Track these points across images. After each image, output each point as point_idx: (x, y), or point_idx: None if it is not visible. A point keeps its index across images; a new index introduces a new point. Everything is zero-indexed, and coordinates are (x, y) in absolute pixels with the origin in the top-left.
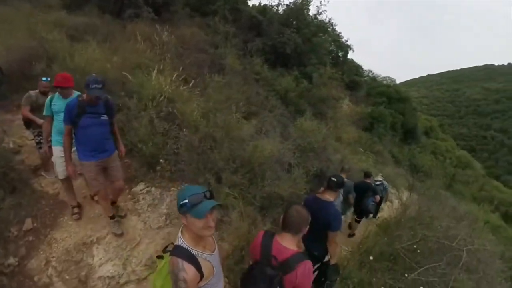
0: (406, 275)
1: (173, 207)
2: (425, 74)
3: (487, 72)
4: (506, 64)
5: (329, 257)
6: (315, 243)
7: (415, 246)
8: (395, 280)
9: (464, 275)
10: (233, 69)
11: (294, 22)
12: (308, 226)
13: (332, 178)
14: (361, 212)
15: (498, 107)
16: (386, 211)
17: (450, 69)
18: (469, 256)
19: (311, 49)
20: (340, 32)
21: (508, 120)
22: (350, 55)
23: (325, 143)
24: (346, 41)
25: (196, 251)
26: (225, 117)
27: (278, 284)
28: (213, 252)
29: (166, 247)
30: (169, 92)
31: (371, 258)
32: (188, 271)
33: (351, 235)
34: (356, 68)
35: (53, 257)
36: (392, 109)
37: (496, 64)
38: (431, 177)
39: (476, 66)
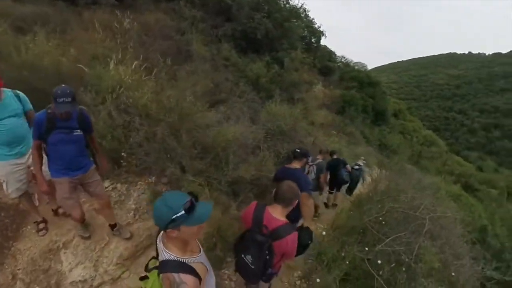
0: (374, 245)
1: (140, 201)
2: (394, 61)
3: (450, 59)
4: (467, 52)
5: (302, 221)
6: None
7: (381, 219)
8: (364, 252)
9: (428, 242)
10: (200, 56)
11: (266, 7)
12: (297, 199)
13: (297, 149)
14: (338, 183)
15: (459, 91)
16: (360, 188)
17: (417, 56)
18: (433, 223)
19: (282, 34)
20: (313, 18)
21: (467, 103)
22: (323, 41)
23: (295, 126)
24: (319, 27)
25: (186, 259)
26: (187, 104)
27: (267, 250)
28: (200, 252)
29: (147, 265)
30: (129, 83)
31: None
32: (188, 281)
33: (328, 206)
34: (329, 54)
35: (19, 269)
36: (363, 93)
37: (458, 52)
38: (398, 154)
39: (440, 54)
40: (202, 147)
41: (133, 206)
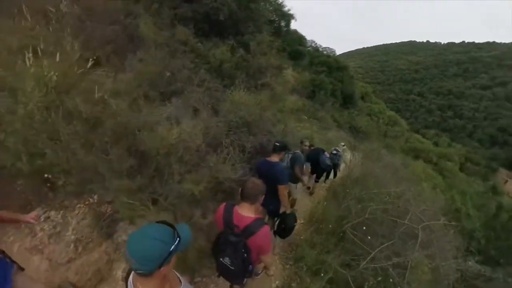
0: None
1: (82, 229)
2: (360, 47)
3: (411, 46)
4: (425, 41)
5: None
6: (270, 199)
7: (364, 228)
8: (346, 265)
9: (419, 253)
10: (154, 42)
11: None
12: (264, 195)
13: (276, 143)
14: (322, 170)
15: (418, 76)
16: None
17: (381, 43)
18: (424, 231)
19: (248, 16)
20: (282, 1)
21: (425, 86)
22: (293, 26)
23: (262, 115)
24: (289, 10)
25: None
26: (127, 103)
27: (243, 248)
28: (181, 283)
29: None
30: (58, 81)
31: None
32: None
33: (312, 194)
34: (299, 39)
35: None
36: (332, 77)
37: (417, 40)
38: (368, 136)
39: (402, 42)
40: (142, 156)
41: (73, 237)
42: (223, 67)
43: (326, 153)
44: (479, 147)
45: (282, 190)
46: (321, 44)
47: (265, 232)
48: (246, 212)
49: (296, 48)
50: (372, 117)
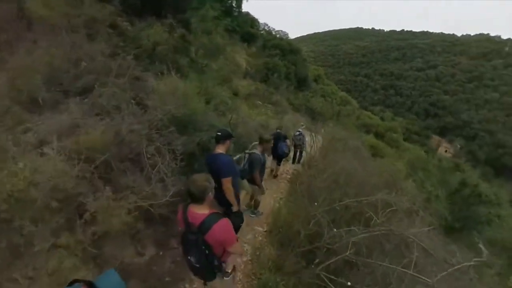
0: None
1: None
2: (311, 32)
3: (358, 33)
4: (370, 28)
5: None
6: (220, 193)
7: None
8: None
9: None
10: (67, 24)
11: None
12: (210, 192)
13: (218, 133)
14: (279, 156)
15: (364, 59)
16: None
17: (331, 29)
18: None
19: None
20: None
21: (371, 69)
22: (245, 8)
23: (199, 108)
24: None
25: None
26: None
27: (202, 245)
28: None
29: None
30: None
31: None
32: None
33: (275, 176)
34: (251, 21)
35: None
36: (286, 60)
37: (364, 27)
38: (324, 117)
39: (350, 28)
40: None
41: None
42: (156, 51)
43: (287, 140)
44: (416, 119)
45: (225, 183)
46: (274, 27)
47: (222, 225)
48: (198, 210)
49: (248, 30)
50: (326, 98)
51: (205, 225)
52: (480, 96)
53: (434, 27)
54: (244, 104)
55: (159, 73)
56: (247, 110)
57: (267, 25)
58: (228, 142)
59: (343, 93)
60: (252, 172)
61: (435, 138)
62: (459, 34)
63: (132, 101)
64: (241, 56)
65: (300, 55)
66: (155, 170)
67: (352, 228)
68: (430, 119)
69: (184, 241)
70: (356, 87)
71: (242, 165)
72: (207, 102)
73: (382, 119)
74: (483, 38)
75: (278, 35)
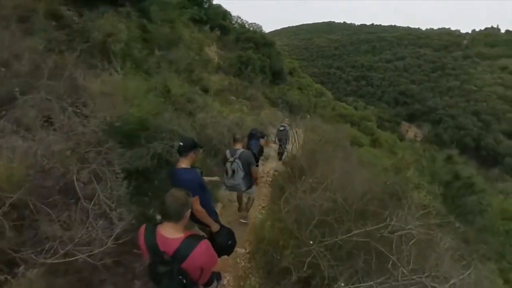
0: None
1: None
2: (285, 26)
3: (330, 26)
4: (342, 22)
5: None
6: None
7: None
8: None
9: None
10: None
11: None
12: (189, 209)
13: (180, 144)
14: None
15: (336, 52)
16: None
17: (304, 23)
18: None
19: None
20: None
21: (343, 61)
22: (217, 1)
23: (157, 109)
24: None
25: None
26: None
27: (179, 275)
28: None
29: None
30: None
31: None
32: None
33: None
34: (223, 14)
35: None
36: (260, 53)
37: (336, 21)
38: (302, 109)
39: (323, 22)
40: None
41: None
42: (109, 44)
43: (261, 139)
44: (387, 108)
45: (194, 204)
46: (247, 20)
47: (202, 249)
48: (172, 233)
49: (220, 23)
50: (302, 91)
51: (181, 253)
52: (443, 84)
53: (401, 22)
54: (216, 101)
55: (103, 70)
56: (219, 107)
57: (240, 18)
58: (192, 154)
59: (318, 85)
60: (249, 170)
61: (405, 124)
62: (423, 28)
63: (69, 108)
64: (212, 50)
65: (274, 48)
66: (92, 202)
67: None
68: (399, 107)
69: (152, 274)
70: (329, 79)
71: (230, 173)
72: (166, 101)
73: (355, 108)
74: (444, 32)
75: (251, 28)
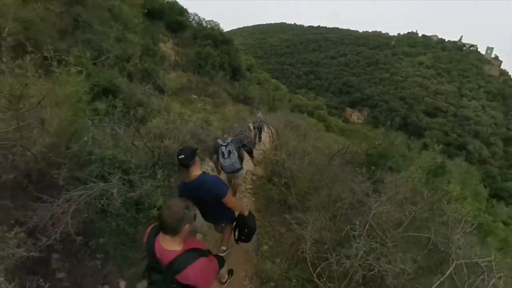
0: None
1: None
2: (241, 26)
3: (282, 27)
4: (293, 23)
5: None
6: (220, 216)
7: None
8: None
9: None
10: None
11: None
12: (187, 223)
13: (182, 157)
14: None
15: (288, 50)
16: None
17: (259, 23)
18: None
19: None
20: None
21: (294, 58)
22: None
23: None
24: None
25: None
26: None
27: (172, 283)
28: None
29: None
30: None
31: None
32: None
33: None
34: (179, 10)
35: None
36: (218, 50)
37: (287, 22)
38: (263, 103)
39: (275, 23)
40: None
41: None
42: (31, 35)
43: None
44: (333, 97)
45: (228, 202)
46: (205, 18)
47: (198, 269)
48: (169, 245)
49: (176, 19)
50: (261, 85)
51: (175, 266)
52: (377, 76)
53: (343, 25)
54: (175, 101)
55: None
56: (179, 109)
57: (197, 15)
58: (197, 158)
59: (274, 80)
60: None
61: (348, 110)
62: (360, 31)
63: None
64: (168, 47)
65: (233, 45)
66: None
67: None
68: (343, 95)
69: (148, 278)
70: (283, 75)
71: (226, 154)
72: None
73: (307, 99)
74: (377, 34)
75: (209, 26)
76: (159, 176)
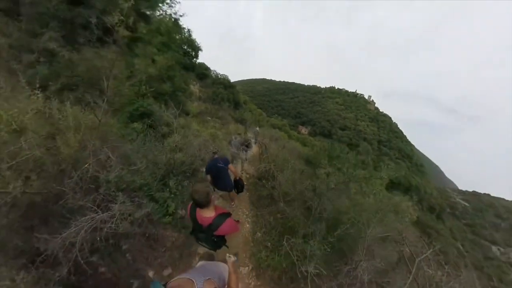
0: None
1: None
2: (243, 79)
3: (264, 81)
4: (270, 79)
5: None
6: (229, 184)
7: None
8: None
9: None
10: None
11: None
12: (211, 196)
13: (214, 151)
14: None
15: (267, 93)
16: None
17: (251, 78)
18: None
19: None
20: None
21: (271, 98)
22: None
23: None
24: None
25: None
26: None
27: (212, 237)
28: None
29: None
30: None
31: None
32: None
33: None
34: (205, 67)
35: None
36: (226, 91)
37: (267, 78)
38: (253, 123)
39: (261, 78)
40: None
41: None
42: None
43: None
44: (291, 119)
45: (231, 168)
46: (219, 72)
47: (228, 224)
48: (206, 213)
49: (203, 72)
50: (251, 112)
51: (213, 226)
52: (315, 108)
53: (296, 78)
54: (195, 121)
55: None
56: (196, 126)
57: (215, 70)
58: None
59: (259, 110)
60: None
61: (300, 126)
62: (305, 84)
63: None
64: (195, 87)
65: (235, 88)
66: None
67: None
68: (297, 118)
69: (195, 236)
70: (264, 107)
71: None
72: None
73: (278, 121)
74: (314, 86)
75: (221, 76)
76: (171, 184)
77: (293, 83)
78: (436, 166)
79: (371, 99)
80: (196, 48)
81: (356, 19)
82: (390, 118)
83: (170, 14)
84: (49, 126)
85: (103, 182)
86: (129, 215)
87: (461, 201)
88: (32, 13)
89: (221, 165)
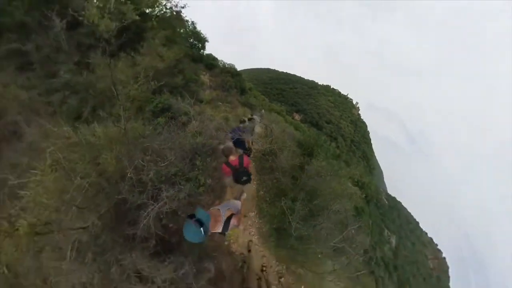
0: None
1: None
2: (244, 68)
3: (268, 71)
4: (274, 69)
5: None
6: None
7: None
8: None
9: None
10: None
11: None
12: (233, 148)
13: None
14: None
15: (270, 82)
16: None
17: (256, 67)
18: None
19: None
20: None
21: (273, 86)
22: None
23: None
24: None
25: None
26: None
27: (245, 170)
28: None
29: None
30: None
31: None
32: None
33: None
34: (213, 58)
35: None
36: (234, 79)
37: (271, 67)
38: (257, 107)
39: (266, 68)
40: None
41: None
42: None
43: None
44: (288, 107)
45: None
46: (226, 62)
47: (246, 159)
48: (233, 158)
49: (211, 62)
50: (256, 98)
51: (240, 161)
52: (308, 101)
53: (296, 70)
54: (208, 107)
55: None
56: (210, 112)
57: (223, 60)
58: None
59: (262, 96)
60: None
61: (294, 113)
62: (306, 77)
63: None
64: (205, 77)
65: (241, 76)
66: None
67: None
68: (293, 106)
69: (235, 177)
70: (267, 94)
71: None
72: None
73: (277, 107)
74: (311, 81)
75: (228, 65)
76: (198, 163)
77: (295, 75)
78: (382, 172)
79: (357, 105)
80: (202, 40)
81: (367, 28)
82: (366, 126)
83: (171, 8)
84: (88, 151)
85: (147, 182)
86: (175, 197)
87: (385, 199)
88: (41, 57)
89: (240, 136)
